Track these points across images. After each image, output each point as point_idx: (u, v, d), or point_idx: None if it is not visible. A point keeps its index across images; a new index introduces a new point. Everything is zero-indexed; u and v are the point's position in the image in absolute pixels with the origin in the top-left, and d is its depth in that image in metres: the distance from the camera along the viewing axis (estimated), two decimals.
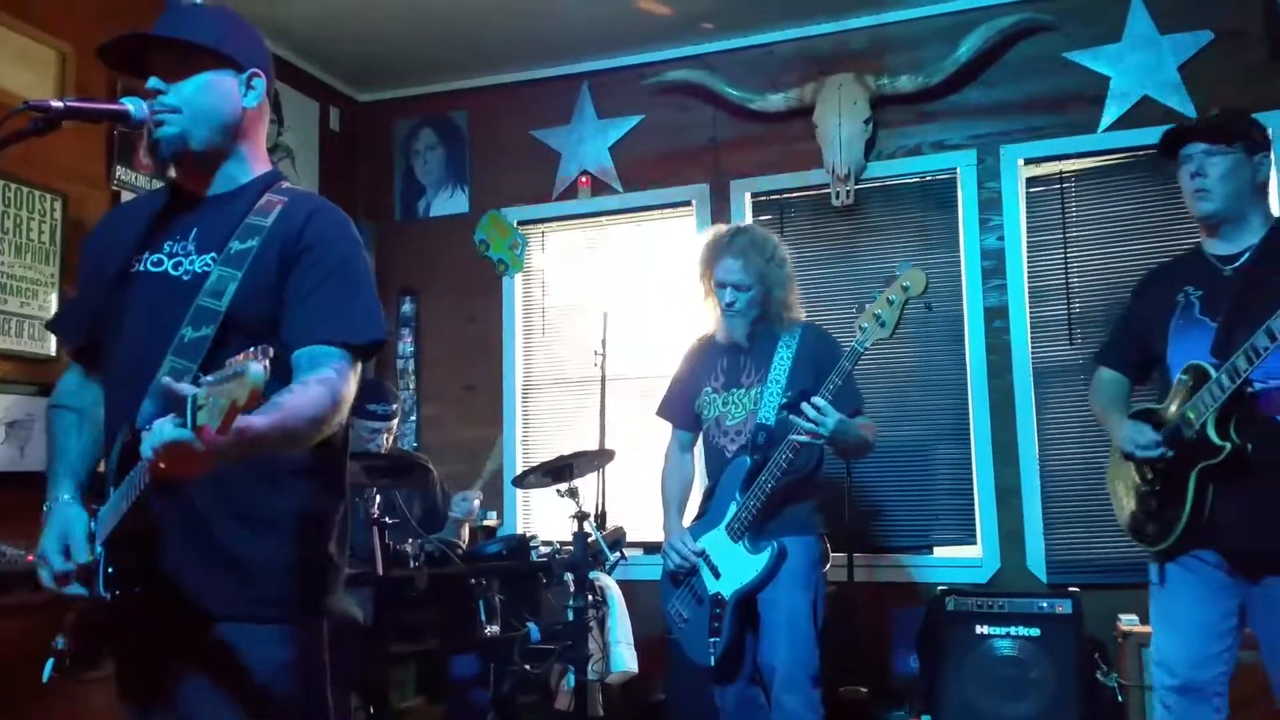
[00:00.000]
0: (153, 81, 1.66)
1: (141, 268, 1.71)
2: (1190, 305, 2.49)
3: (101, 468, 1.72)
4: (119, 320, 1.71)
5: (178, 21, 1.70)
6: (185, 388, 1.24)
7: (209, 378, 1.22)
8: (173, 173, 1.76)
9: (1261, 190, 2.49)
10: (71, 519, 1.62)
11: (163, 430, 1.23)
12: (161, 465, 1.27)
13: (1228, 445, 2.26)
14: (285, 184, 1.80)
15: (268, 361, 1.20)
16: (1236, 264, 2.45)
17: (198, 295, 1.62)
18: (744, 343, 3.02)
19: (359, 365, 1.67)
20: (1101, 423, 2.71)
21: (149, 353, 1.61)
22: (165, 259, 1.71)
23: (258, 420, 1.34)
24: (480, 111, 5.14)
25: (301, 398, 1.49)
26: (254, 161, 1.79)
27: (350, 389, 1.62)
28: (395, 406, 3.95)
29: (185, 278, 1.67)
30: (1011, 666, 3.56)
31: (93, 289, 1.80)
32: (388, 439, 3.93)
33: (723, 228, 3.18)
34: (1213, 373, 2.30)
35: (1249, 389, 2.27)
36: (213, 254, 1.67)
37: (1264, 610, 2.34)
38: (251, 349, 1.21)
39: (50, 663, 1.66)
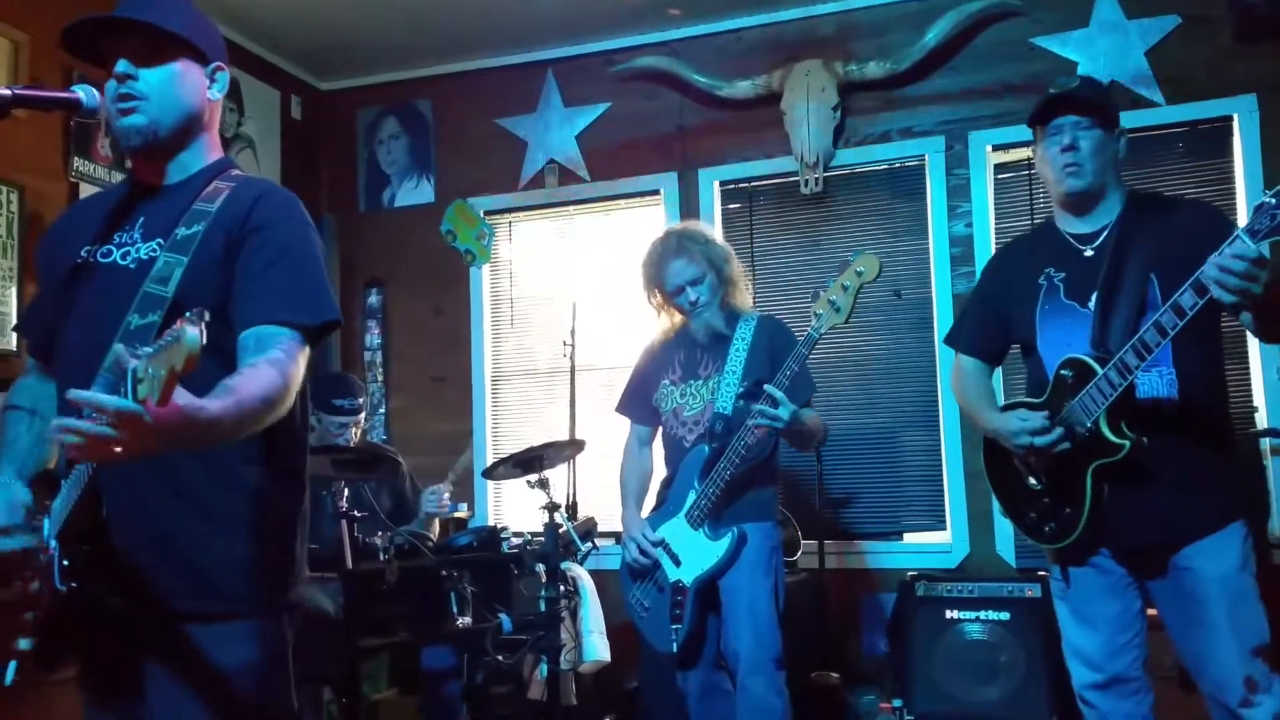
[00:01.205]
0: (123, 65, 1.63)
1: (90, 260, 1.69)
2: (1055, 289, 2.39)
3: (53, 465, 1.70)
4: (68, 313, 1.69)
5: (146, 8, 1.67)
6: (128, 360, 1.22)
7: (147, 349, 1.20)
8: (128, 163, 1.73)
9: (1120, 164, 2.41)
10: (14, 493, 1.62)
11: (104, 401, 1.21)
12: (111, 443, 1.24)
13: (1127, 443, 2.18)
14: (235, 171, 1.78)
15: (204, 325, 1.18)
16: (1096, 243, 2.37)
17: (144, 282, 1.60)
18: (726, 330, 3.00)
19: (308, 347, 1.64)
20: (971, 416, 2.59)
21: (97, 342, 1.58)
22: (114, 249, 1.69)
23: (210, 404, 1.32)
24: (445, 100, 5.08)
25: (251, 380, 1.46)
26: (208, 151, 1.78)
27: (299, 370, 1.58)
28: (361, 400, 3.91)
29: (131, 265, 1.65)
30: (981, 650, 3.59)
31: (48, 287, 1.78)
32: (355, 432, 3.89)
33: (650, 245, 3.14)
34: (1097, 368, 2.21)
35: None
36: (158, 240, 1.65)
37: (1166, 598, 2.32)
38: (186, 314, 1.19)
39: (13, 665, 1.63)
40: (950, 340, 2.73)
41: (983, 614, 3.63)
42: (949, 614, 3.66)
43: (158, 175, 1.73)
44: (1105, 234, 2.37)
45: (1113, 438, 2.20)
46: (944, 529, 4.26)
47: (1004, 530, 4.13)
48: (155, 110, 1.65)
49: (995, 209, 4.31)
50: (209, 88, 1.74)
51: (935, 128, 4.37)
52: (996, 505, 2.56)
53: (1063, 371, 2.29)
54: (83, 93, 1.58)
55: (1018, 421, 2.32)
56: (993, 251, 4.23)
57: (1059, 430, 2.26)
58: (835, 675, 3.79)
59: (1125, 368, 2.15)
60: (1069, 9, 4.19)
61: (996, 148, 4.30)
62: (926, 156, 4.37)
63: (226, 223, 1.64)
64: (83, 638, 1.62)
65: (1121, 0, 4.11)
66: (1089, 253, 2.38)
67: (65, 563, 1.51)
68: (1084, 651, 2.42)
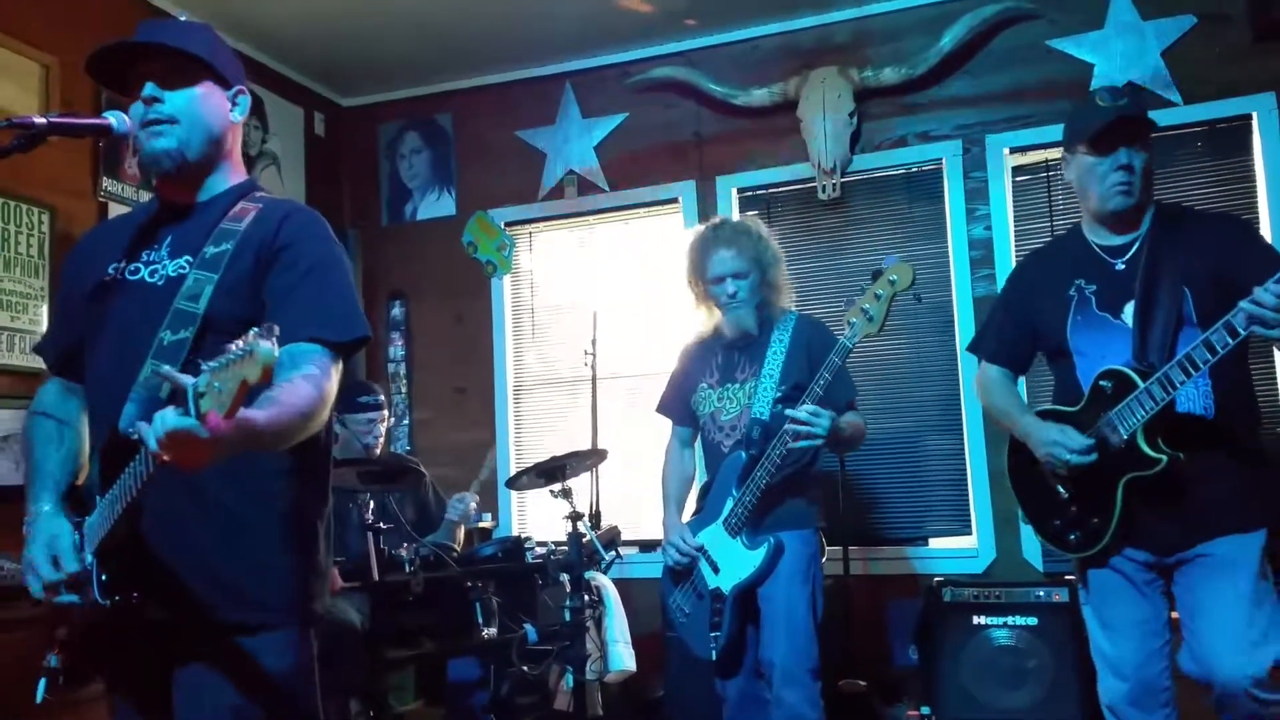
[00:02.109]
0: (150, 88, 1.66)
1: (118, 277, 1.72)
2: (1086, 301, 2.41)
3: (82, 480, 1.72)
4: (97, 330, 1.72)
5: (167, 32, 1.71)
6: (185, 377, 1.23)
7: (210, 364, 1.21)
8: (154, 184, 1.76)
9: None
10: (56, 531, 1.62)
11: (165, 419, 1.23)
12: (165, 457, 1.27)
13: (1163, 459, 2.20)
14: (260, 192, 1.81)
15: (275, 339, 1.20)
16: (1127, 256, 2.39)
17: (174, 299, 1.63)
18: (755, 331, 2.98)
19: (340, 363, 1.66)
20: (1003, 423, 2.59)
21: (129, 358, 1.61)
22: (142, 267, 1.72)
23: (257, 414, 1.34)
24: (464, 113, 5.13)
25: (292, 394, 1.48)
26: (233, 173, 1.81)
27: (333, 386, 1.61)
28: (382, 397, 3.99)
29: (160, 283, 1.68)
30: (1009, 656, 3.56)
31: (71, 302, 1.81)
32: (382, 428, 3.95)
33: (700, 227, 3.14)
34: (1139, 381, 2.22)
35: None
36: (187, 258, 1.68)
37: (1184, 585, 2.32)
38: (255, 329, 1.20)
39: (43, 682, 1.66)
40: (974, 348, 2.73)
41: (1010, 619, 3.60)
42: (976, 620, 3.63)
43: (185, 196, 1.76)
44: (1136, 247, 2.39)
45: (1149, 452, 2.22)
46: (970, 534, 4.24)
47: (1030, 534, 4.07)
48: (183, 132, 1.68)
49: (1014, 211, 4.29)
50: (231, 110, 1.77)
51: (952, 132, 4.36)
52: (1023, 513, 2.57)
53: (1102, 382, 2.30)
54: (114, 118, 1.62)
55: (1058, 434, 2.32)
56: (1013, 254, 4.23)
57: (1095, 454, 2.27)
58: (862, 683, 3.77)
59: (1170, 383, 2.17)
60: (1084, 11, 4.18)
61: (1014, 150, 4.29)
62: (944, 160, 4.37)
63: (255, 242, 1.67)
64: (115, 652, 1.65)
65: (1137, 1, 4.10)
66: (1120, 266, 2.39)
67: (103, 578, 1.54)
68: (1111, 658, 2.41)
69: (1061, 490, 2.39)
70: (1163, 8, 4.07)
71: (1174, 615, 2.39)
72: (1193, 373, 2.14)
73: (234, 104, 1.78)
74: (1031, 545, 4.09)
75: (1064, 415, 2.39)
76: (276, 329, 1.21)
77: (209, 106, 1.72)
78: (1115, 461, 2.26)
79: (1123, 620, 2.38)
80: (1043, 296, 2.51)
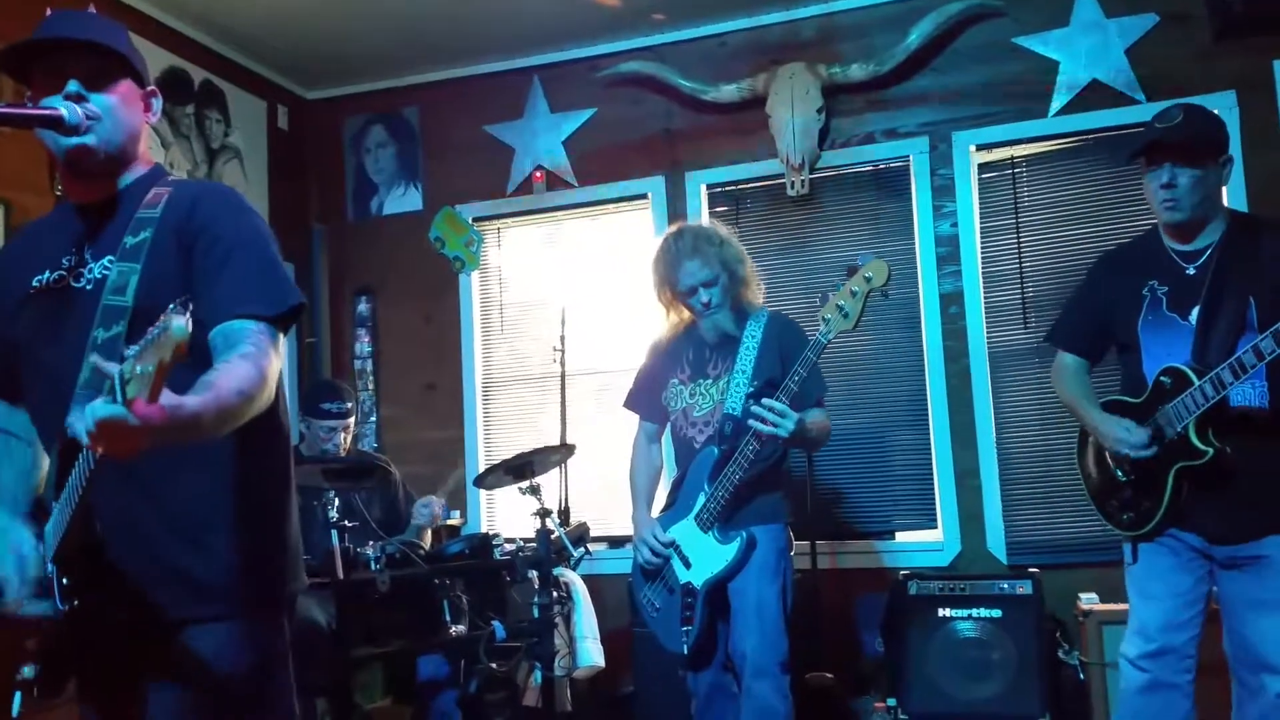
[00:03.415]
0: (75, 85, 1.62)
1: (44, 288, 1.69)
2: (1158, 301, 2.56)
3: (41, 490, 1.70)
4: (33, 345, 1.69)
5: (92, 28, 1.67)
6: (110, 366, 1.22)
7: (130, 349, 1.20)
8: (64, 187, 1.73)
9: (1220, 195, 2.58)
10: (18, 538, 1.60)
11: (95, 409, 1.21)
12: (99, 448, 1.25)
13: (1210, 451, 2.37)
14: (170, 176, 1.79)
15: (188, 314, 1.18)
16: (1199, 261, 2.54)
17: (101, 296, 1.60)
18: (735, 332, 3.00)
19: (280, 337, 1.64)
20: (1072, 410, 2.76)
21: (67, 364, 1.59)
22: (65, 274, 1.69)
23: (190, 400, 1.32)
24: (431, 107, 5.09)
25: (227, 375, 1.46)
26: (141, 165, 1.78)
27: (275, 361, 1.59)
28: (350, 405, 3.90)
29: (88, 287, 1.66)
30: (974, 648, 3.60)
31: (1, 322, 1.77)
32: (346, 437, 3.89)
33: (661, 240, 3.12)
34: (1194, 379, 2.39)
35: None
36: (109, 256, 1.65)
37: (1234, 580, 2.46)
38: (171, 306, 1.19)
39: (18, 695, 1.63)
40: (1050, 338, 2.90)
41: (975, 611, 3.64)
42: (942, 612, 3.67)
43: (99, 194, 1.73)
44: (1208, 254, 2.53)
45: (1199, 444, 2.39)
46: (935, 527, 4.27)
47: (995, 527, 4.15)
48: (107, 131, 1.65)
49: (980, 208, 4.33)
50: (147, 112, 1.76)
51: (919, 128, 4.39)
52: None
53: (1162, 378, 2.48)
54: (65, 109, 1.58)
55: (1122, 431, 2.52)
56: (978, 251, 4.27)
57: (1155, 447, 2.46)
58: (830, 676, 3.79)
59: (1220, 383, 2.34)
60: (1049, 9, 4.22)
61: (980, 147, 4.32)
62: (911, 157, 4.39)
63: (173, 225, 1.65)
64: (84, 654, 1.63)
65: None
66: (1191, 271, 2.54)
67: (64, 581, 1.52)
68: (1142, 621, 2.55)
69: (1120, 474, 2.59)
70: (1126, 6, 4.11)
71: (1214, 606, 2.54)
72: (1241, 374, 2.29)
73: (148, 106, 1.76)
74: (996, 538, 4.13)
75: (1128, 406, 2.57)
76: (190, 305, 1.20)
77: (130, 106, 1.70)
78: (1169, 451, 2.45)
79: (1162, 590, 2.53)
80: (1118, 293, 2.65)
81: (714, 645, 2.97)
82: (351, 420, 3.92)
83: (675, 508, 3.05)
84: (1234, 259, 2.49)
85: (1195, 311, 2.49)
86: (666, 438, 3.22)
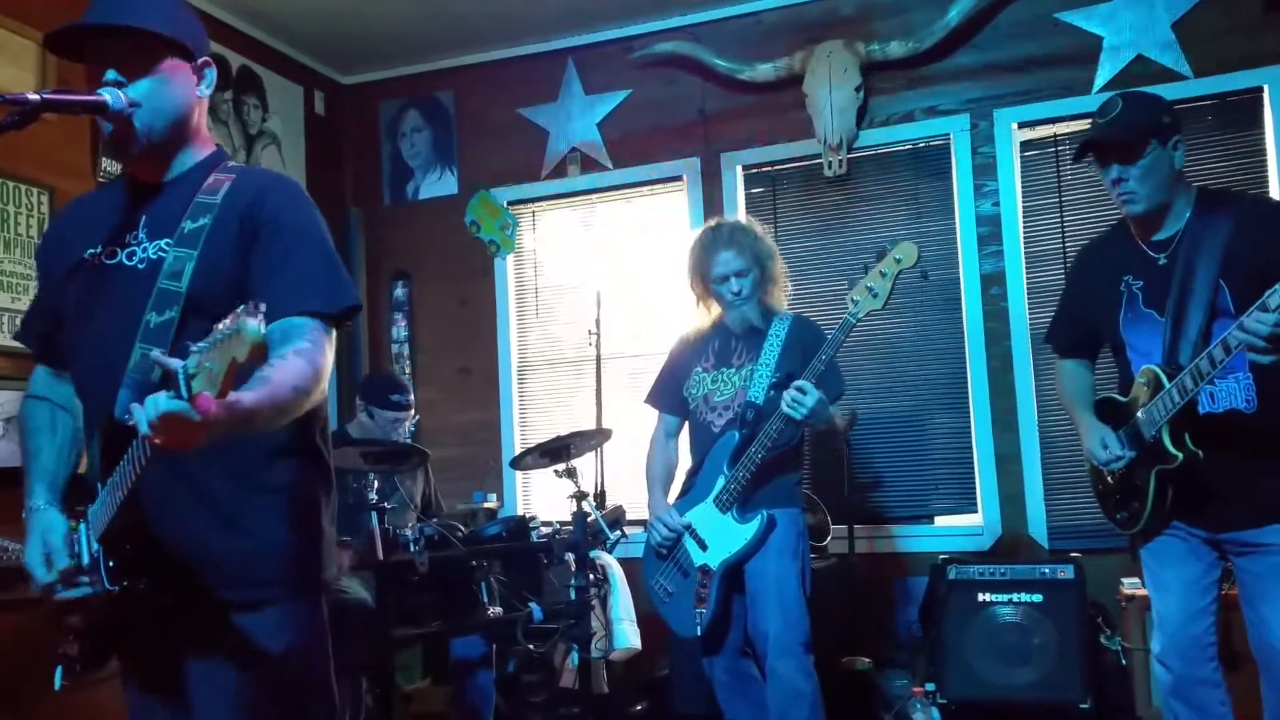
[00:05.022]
0: (112, 75, 1.61)
1: (97, 262, 1.69)
2: (1134, 297, 2.49)
3: (83, 467, 1.71)
4: (80, 317, 1.69)
5: (126, 8, 1.63)
6: (174, 361, 1.22)
7: (198, 345, 1.20)
8: (119, 164, 1.72)
9: (1180, 172, 2.45)
10: (49, 526, 1.61)
11: (159, 402, 1.22)
12: (158, 440, 1.26)
13: (1180, 455, 2.32)
14: (231, 163, 1.78)
15: (261, 316, 1.18)
16: (1168, 251, 2.45)
17: (156, 280, 1.60)
18: (760, 325, 3.05)
19: (334, 334, 1.64)
20: (1069, 415, 2.74)
21: (116, 344, 1.59)
22: (119, 250, 1.68)
23: (247, 395, 1.32)
24: (466, 91, 5.08)
25: (284, 371, 1.46)
26: (201, 145, 1.76)
27: (328, 359, 1.59)
28: (413, 396, 4.02)
29: (141, 266, 1.65)
30: (1015, 633, 3.56)
31: (50, 288, 1.78)
32: (407, 427, 3.96)
33: (699, 231, 3.21)
34: (1165, 382, 2.34)
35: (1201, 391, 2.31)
36: (166, 239, 1.65)
37: (1247, 569, 2.41)
38: (241, 307, 1.18)
39: (60, 670, 1.66)
40: (1048, 340, 2.86)
41: (1016, 596, 3.60)
42: (981, 597, 3.64)
43: (153, 175, 1.72)
44: (1176, 242, 2.44)
45: (1171, 449, 2.34)
46: (975, 511, 4.23)
47: (1036, 512, 4.10)
48: (148, 116, 1.63)
49: (1022, 187, 4.25)
50: (198, 85, 1.72)
51: (960, 106, 4.32)
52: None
53: (1140, 380, 2.44)
54: (109, 95, 1.57)
55: (1098, 447, 2.51)
56: (1020, 230, 4.20)
57: (1126, 458, 2.45)
58: (866, 660, 3.78)
59: (1184, 389, 2.28)
60: None
61: (1022, 125, 4.25)
62: (951, 135, 4.32)
63: (234, 214, 1.64)
64: (127, 636, 1.65)
65: None
66: (1163, 261, 2.46)
67: (110, 563, 1.54)
68: (1162, 618, 2.52)
69: (1109, 478, 2.57)
70: None
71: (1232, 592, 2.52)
72: (1210, 371, 2.21)
73: (200, 77, 1.72)
74: (1038, 522, 4.08)
75: (1118, 405, 2.53)
76: (263, 306, 1.19)
77: (174, 87, 1.66)
78: (1148, 454, 2.41)
79: (1172, 580, 2.49)
80: (1097, 292, 2.59)
81: (729, 629, 2.99)
82: (414, 411, 4.01)
83: (692, 493, 3.09)
84: (1202, 243, 2.38)
85: (1170, 305, 2.42)
86: (683, 437, 3.25)
